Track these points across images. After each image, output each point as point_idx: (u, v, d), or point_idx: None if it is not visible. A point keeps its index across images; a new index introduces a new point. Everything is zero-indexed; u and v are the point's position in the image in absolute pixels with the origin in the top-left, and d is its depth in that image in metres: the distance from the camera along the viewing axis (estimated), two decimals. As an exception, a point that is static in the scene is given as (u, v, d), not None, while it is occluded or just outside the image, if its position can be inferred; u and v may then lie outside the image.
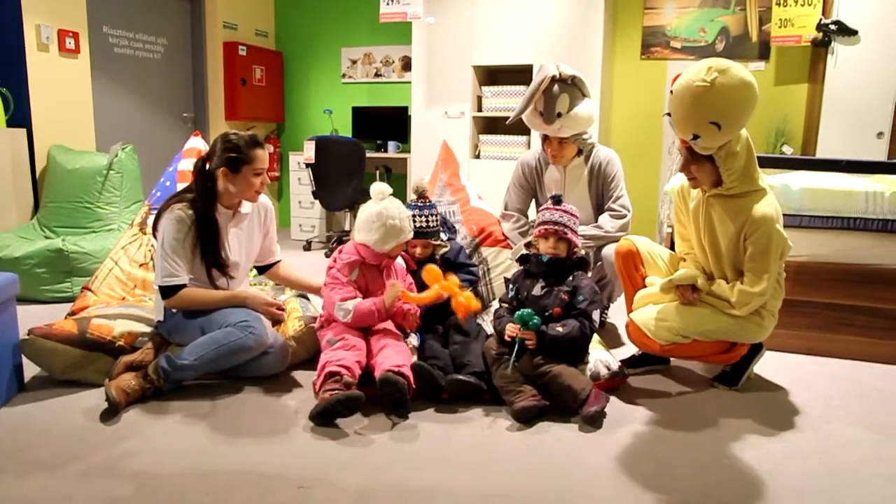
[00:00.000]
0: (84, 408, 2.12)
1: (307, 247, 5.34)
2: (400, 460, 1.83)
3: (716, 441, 1.99)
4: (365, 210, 2.31)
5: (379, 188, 2.32)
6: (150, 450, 1.85)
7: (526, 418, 2.04)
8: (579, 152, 2.83)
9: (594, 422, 2.04)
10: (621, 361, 2.44)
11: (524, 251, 2.32)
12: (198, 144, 3.19)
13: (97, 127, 4.57)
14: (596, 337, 2.42)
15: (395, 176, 5.54)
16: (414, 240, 2.51)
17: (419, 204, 2.53)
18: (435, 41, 5.01)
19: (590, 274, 2.38)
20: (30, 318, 2.80)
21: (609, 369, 2.26)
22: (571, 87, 2.63)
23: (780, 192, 2.76)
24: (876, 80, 4.19)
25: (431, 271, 2.29)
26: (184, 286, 2.27)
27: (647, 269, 2.42)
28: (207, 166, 2.30)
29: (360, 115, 5.85)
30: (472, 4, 4.86)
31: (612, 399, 2.21)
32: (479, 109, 5.06)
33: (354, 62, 6.08)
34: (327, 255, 4.98)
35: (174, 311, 2.33)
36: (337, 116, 6.04)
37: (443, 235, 2.63)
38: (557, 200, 2.27)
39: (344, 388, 2.00)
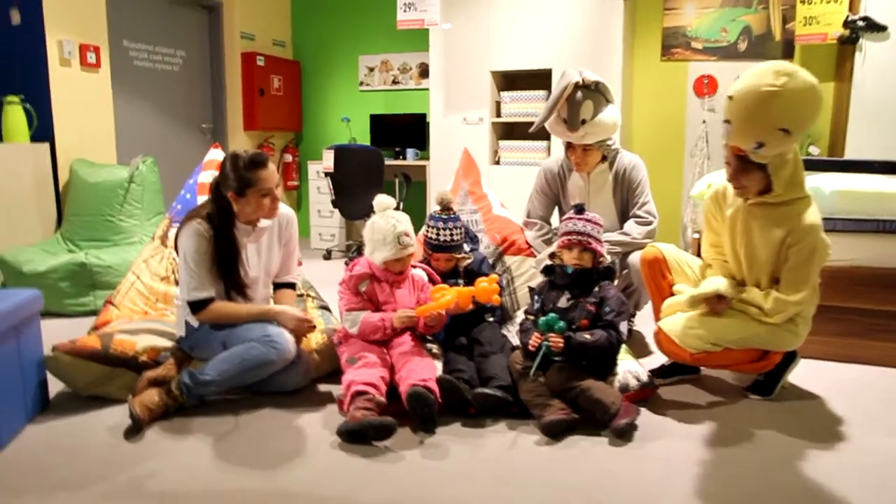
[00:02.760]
0: (108, 425, 2.11)
1: (327, 256, 5.34)
2: (428, 476, 1.79)
3: (751, 454, 1.93)
4: (369, 222, 2.30)
5: (380, 200, 2.33)
6: (175, 469, 1.83)
7: (555, 432, 1.99)
8: (603, 158, 2.78)
9: (624, 435, 1.99)
10: (650, 371, 2.38)
11: (548, 262, 2.27)
12: (217, 156, 3.18)
13: (118, 140, 4.59)
14: (624, 346, 2.37)
15: (415, 183, 5.51)
16: (435, 252, 2.48)
17: (443, 216, 2.49)
18: (452, 47, 4.98)
19: (616, 282, 2.33)
20: (53, 331, 2.80)
21: (639, 380, 2.20)
22: (595, 92, 2.59)
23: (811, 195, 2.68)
24: (907, 77, 4.09)
25: (440, 290, 2.25)
26: (212, 299, 2.25)
27: (674, 277, 2.36)
28: (220, 187, 2.28)
29: (377, 122, 5.84)
30: (489, 9, 4.82)
31: (643, 411, 2.15)
32: (498, 115, 5.02)
33: (372, 70, 6.07)
34: (346, 263, 4.95)
35: (196, 325, 2.31)
36: (355, 124, 6.03)
37: (466, 246, 2.58)
38: (580, 209, 2.23)
39: (376, 409, 1.98)
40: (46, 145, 4.07)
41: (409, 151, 5.66)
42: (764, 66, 1.92)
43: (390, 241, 2.26)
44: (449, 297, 2.20)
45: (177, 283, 2.80)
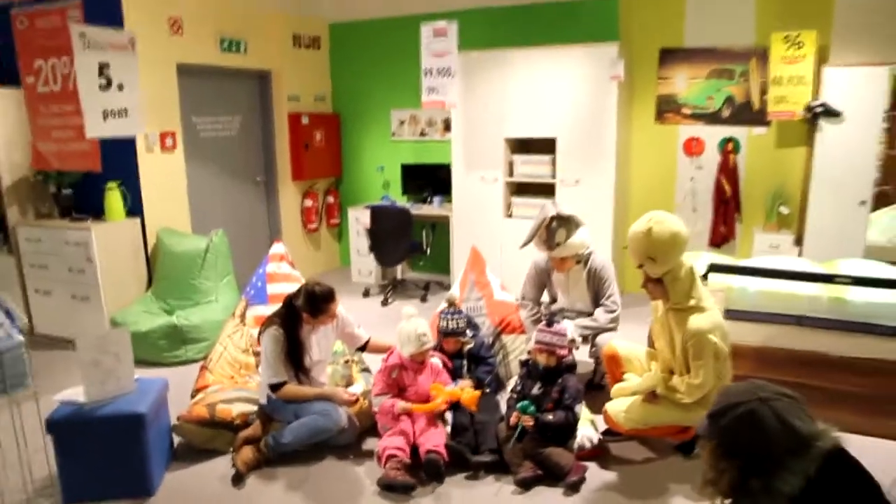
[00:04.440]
0: (219, 475, 3.05)
1: (366, 293, 6.23)
2: (436, 519, 2.69)
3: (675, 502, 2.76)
4: (398, 326, 3.18)
5: (406, 311, 3.23)
6: (269, 510, 2.76)
7: (526, 484, 2.87)
8: (578, 260, 3.59)
9: (575, 487, 2.85)
10: (604, 432, 3.21)
11: (528, 356, 3.12)
12: (279, 249, 4.09)
13: (191, 204, 5.53)
14: (587, 413, 3.21)
15: (440, 227, 6.34)
16: (445, 338, 3.36)
17: (451, 311, 3.37)
18: (471, 116, 5.78)
19: (586, 357, 3.14)
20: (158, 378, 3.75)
21: (591, 442, 3.05)
22: (567, 221, 3.40)
23: (738, 292, 3.46)
24: (858, 155, 4.76)
25: (436, 388, 3.14)
26: (285, 382, 3.17)
27: (626, 366, 3.19)
28: (294, 303, 3.18)
29: (408, 171, 6.68)
30: (502, 85, 5.60)
31: (593, 466, 3.00)
32: (511, 174, 5.81)
33: (402, 122, 6.90)
34: (383, 304, 5.85)
35: (274, 398, 3.23)
36: (388, 172, 6.89)
37: (469, 332, 3.45)
38: (550, 322, 3.06)
39: (402, 468, 2.89)
40: (138, 220, 5.04)
41: (436, 199, 6.49)
42: (647, 215, 2.78)
43: (413, 340, 3.14)
44: (440, 400, 3.08)
45: (254, 354, 3.73)
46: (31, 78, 4.73)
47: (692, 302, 2.83)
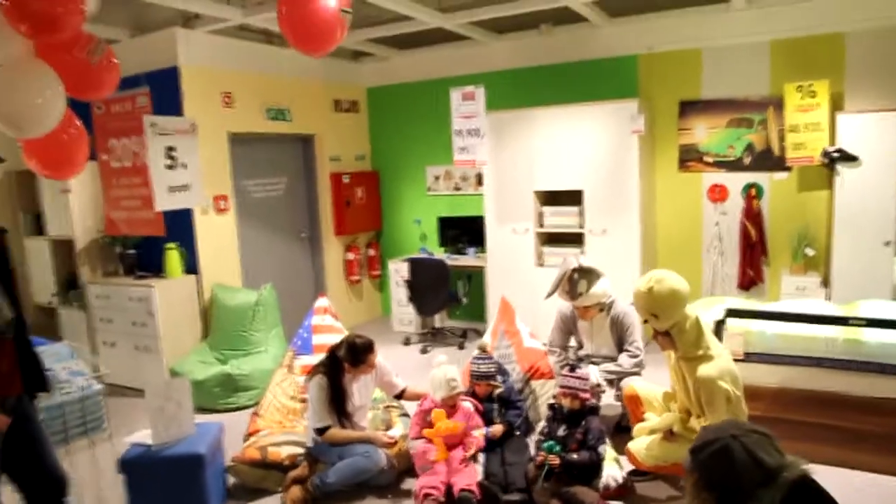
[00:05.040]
0: (270, 513, 3.32)
1: (406, 342, 6.51)
2: (469, 554, 2.89)
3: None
4: (430, 373, 3.46)
5: (438, 359, 3.53)
6: (317, 546, 3.01)
7: (554, 522, 3.05)
8: (601, 309, 3.82)
9: (599, 525, 3.02)
10: (630, 472, 3.37)
11: (552, 401, 3.34)
12: (323, 303, 4.44)
13: (241, 259, 5.95)
14: (612, 453, 3.39)
15: (475, 276, 6.62)
16: (477, 381, 3.60)
17: (482, 356, 3.63)
18: (502, 171, 6.11)
19: (606, 400, 3.33)
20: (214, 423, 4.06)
21: (616, 482, 3.22)
22: (588, 273, 3.65)
23: (757, 335, 3.63)
24: (877, 197, 4.88)
25: (439, 419, 3.42)
26: (330, 426, 3.45)
27: (645, 407, 3.37)
28: (337, 354, 3.48)
29: (443, 223, 7.02)
30: (530, 141, 5.93)
31: (618, 505, 3.17)
32: (541, 225, 6.09)
33: (437, 178, 7.28)
34: (422, 352, 6.12)
35: (320, 441, 3.50)
36: (425, 224, 7.25)
37: (499, 378, 3.69)
38: (573, 367, 3.28)
39: (438, 507, 3.12)
40: (194, 277, 5.47)
41: (470, 250, 6.79)
42: (649, 274, 2.99)
43: (444, 385, 3.40)
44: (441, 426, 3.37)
45: (301, 401, 4.02)
46: (105, 155, 5.31)
47: (700, 352, 3.00)
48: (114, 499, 3.24)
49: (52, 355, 3.40)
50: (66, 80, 2.64)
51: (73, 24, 2.45)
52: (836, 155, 4.99)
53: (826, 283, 5.23)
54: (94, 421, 3.02)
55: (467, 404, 3.54)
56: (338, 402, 3.47)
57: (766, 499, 1.60)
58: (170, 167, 4.57)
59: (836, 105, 5.15)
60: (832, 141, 5.08)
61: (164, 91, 5.26)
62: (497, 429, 3.52)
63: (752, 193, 5.67)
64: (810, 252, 5.42)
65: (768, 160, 5.62)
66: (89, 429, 3.01)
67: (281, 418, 4.02)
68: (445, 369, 3.45)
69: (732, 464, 1.63)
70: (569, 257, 3.68)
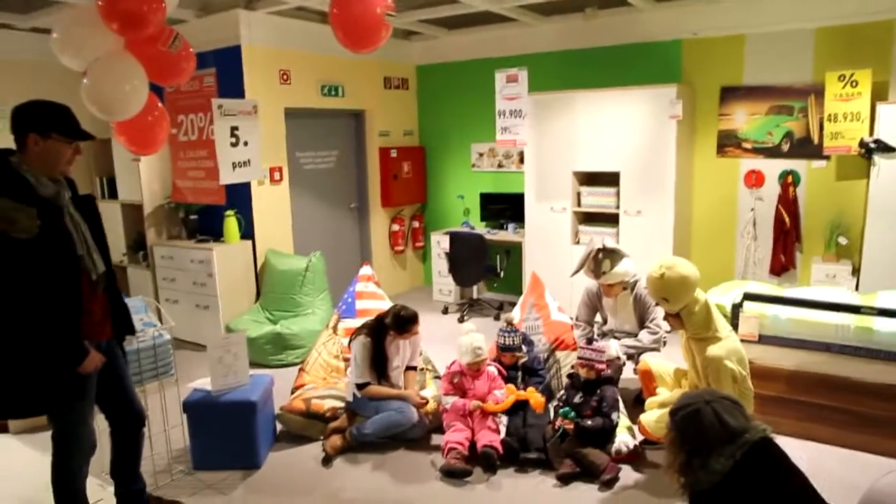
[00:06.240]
0: (312, 455, 3.73)
1: (445, 311, 6.85)
2: (488, 499, 3.23)
3: None
4: (458, 339, 3.78)
5: (465, 327, 3.87)
6: (353, 487, 3.40)
7: (565, 479, 3.36)
8: (625, 287, 4.06)
9: (609, 484, 3.31)
10: (642, 441, 3.64)
11: (571, 370, 3.62)
12: (366, 271, 4.81)
13: (294, 229, 6.37)
14: (626, 422, 3.66)
15: (513, 252, 6.89)
16: (502, 352, 3.91)
17: (508, 329, 3.93)
18: (542, 151, 6.32)
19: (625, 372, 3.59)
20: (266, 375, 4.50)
21: (627, 447, 3.49)
22: (612, 253, 3.88)
23: (771, 319, 3.81)
24: (914, 189, 4.92)
25: (511, 391, 3.68)
26: (369, 383, 3.82)
27: (658, 382, 3.62)
28: (384, 321, 3.83)
29: (486, 199, 7.28)
30: (570, 123, 6.10)
31: (627, 468, 3.45)
32: (579, 204, 6.29)
33: (481, 155, 7.52)
34: (459, 321, 6.45)
35: (359, 395, 3.88)
36: (468, 199, 7.52)
37: (524, 347, 3.98)
38: (590, 340, 3.55)
39: (462, 459, 3.46)
40: (250, 242, 5.90)
41: (510, 225, 7.04)
42: (660, 260, 3.20)
43: (469, 352, 3.72)
44: (511, 399, 3.62)
45: (344, 360, 4.41)
46: (175, 129, 5.75)
47: (709, 333, 3.22)
48: (179, 434, 3.69)
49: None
50: (150, 69, 3.01)
51: (156, 20, 2.80)
52: (873, 145, 5.03)
53: (856, 271, 5.31)
54: (164, 366, 3.44)
55: (492, 368, 3.85)
56: (378, 361, 3.83)
57: (727, 453, 1.87)
58: (233, 145, 4.98)
59: (879, 95, 5.16)
60: (871, 131, 5.11)
61: (228, 69, 5.64)
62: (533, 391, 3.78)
63: (789, 180, 5.74)
64: (843, 241, 5.49)
65: (807, 148, 5.66)
66: (160, 373, 3.43)
67: (325, 374, 4.42)
68: (472, 337, 3.76)
69: (701, 424, 1.91)
70: (594, 238, 3.91)
